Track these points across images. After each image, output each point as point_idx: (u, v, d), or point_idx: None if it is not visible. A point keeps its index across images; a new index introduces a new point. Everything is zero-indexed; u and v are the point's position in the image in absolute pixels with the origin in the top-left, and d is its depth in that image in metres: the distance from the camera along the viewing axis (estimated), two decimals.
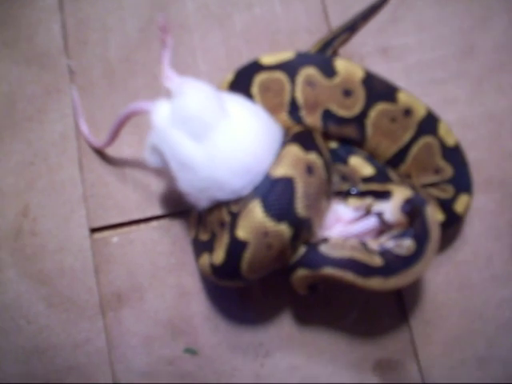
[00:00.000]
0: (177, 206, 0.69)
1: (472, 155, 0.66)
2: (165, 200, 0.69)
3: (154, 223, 0.69)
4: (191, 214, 0.65)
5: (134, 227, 0.69)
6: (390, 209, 0.56)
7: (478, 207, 0.68)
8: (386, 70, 0.70)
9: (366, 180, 0.61)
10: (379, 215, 0.57)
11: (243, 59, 0.70)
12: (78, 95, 0.72)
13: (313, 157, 0.55)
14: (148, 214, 0.69)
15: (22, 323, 0.67)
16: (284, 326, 0.67)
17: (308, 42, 0.72)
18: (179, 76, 0.57)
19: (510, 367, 0.66)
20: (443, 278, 0.67)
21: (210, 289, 0.67)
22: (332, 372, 0.66)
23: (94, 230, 0.69)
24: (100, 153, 0.71)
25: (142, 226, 0.69)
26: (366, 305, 0.67)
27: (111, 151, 0.70)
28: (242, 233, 0.54)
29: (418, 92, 0.66)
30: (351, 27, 0.71)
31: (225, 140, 0.55)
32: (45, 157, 0.71)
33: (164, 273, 0.68)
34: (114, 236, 0.69)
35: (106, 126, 0.70)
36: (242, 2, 0.74)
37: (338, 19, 0.73)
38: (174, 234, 0.69)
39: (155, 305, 0.67)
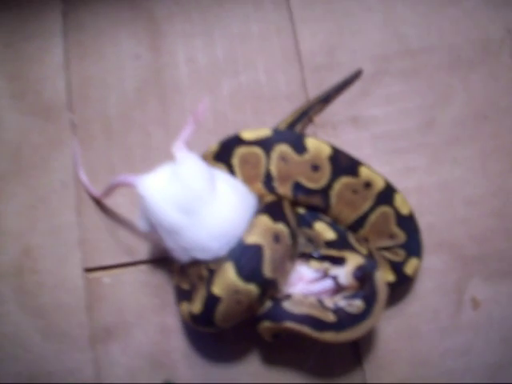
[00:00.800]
0: (162, 253, 0.75)
1: (426, 219, 0.74)
2: (151, 246, 0.76)
3: (142, 267, 0.76)
4: (173, 263, 0.73)
5: (123, 269, 0.76)
6: (344, 274, 0.64)
7: (428, 267, 0.75)
8: (354, 138, 0.78)
9: (329, 243, 0.69)
10: (334, 278, 0.64)
11: (228, 122, 0.79)
12: (78, 147, 0.79)
13: (280, 226, 0.64)
14: (137, 258, 0.76)
15: (19, 352, 0.74)
16: (253, 365, 0.73)
17: (287, 108, 0.79)
18: (188, 151, 0.64)
19: None
20: (394, 328, 0.74)
21: (189, 328, 0.74)
22: None
23: (88, 270, 0.76)
24: (96, 201, 0.78)
25: (131, 269, 0.76)
26: (325, 350, 0.73)
27: (106, 200, 0.77)
28: (216, 289, 0.62)
29: (382, 160, 0.74)
30: (326, 98, 0.79)
31: (209, 211, 0.62)
32: (46, 202, 0.78)
33: (149, 311, 0.75)
34: (105, 276, 0.76)
35: (103, 176, 0.78)
36: (229, 70, 0.81)
37: (315, 89, 0.80)
38: (159, 277, 0.76)
39: (139, 340, 0.74)
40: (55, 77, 0.81)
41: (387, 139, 0.79)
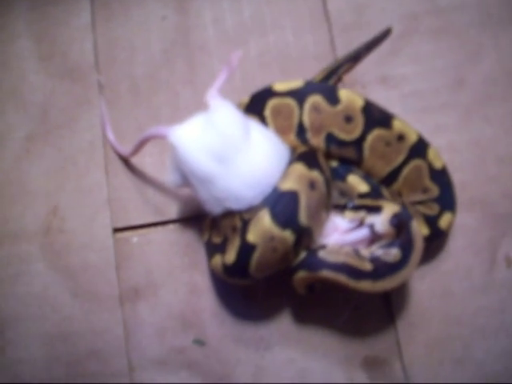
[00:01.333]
0: (192, 212, 0.75)
1: (458, 177, 0.73)
2: (181, 206, 0.76)
3: (171, 226, 0.76)
4: (205, 219, 0.72)
5: (152, 229, 0.76)
6: (381, 221, 0.63)
7: (461, 224, 0.74)
8: (384, 97, 0.77)
9: (362, 196, 0.68)
10: (371, 227, 0.64)
11: (256, 82, 0.78)
12: (105, 107, 0.79)
13: (315, 174, 0.63)
14: (165, 218, 0.76)
15: (48, 311, 0.74)
16: (283, 323, 0.73)
17: (315, 68, 0.79)
18: (222, 98, 0.63)
19: (484, 368, 0.71)
20: (427, 286, 0.74)
21: (219, 287, 0.74)
22: (324, 366, 0.72)
23: (116, 230, 0.76)
24: (124, 160, 0.77)
25: (160, 228, 0.76)
26: (357, 307, 0.73)
27: (134, 159, 0.77)
28: (251, 237, 0.61)
29: (412, 119, 0.73)
30: (355, 57, 0.78)
31: (243, 159, 0.62)
32: (74, 162, 0.78)
33: (178, 271, 0.75)
34: (134, 236, 0.76)
35: (131, 135, 0.77)
36: (257, 30, 0.81)
37: (344, 49, 0.79)
38: (188, 236, 0.75)
39: (169, 299, 0.74)
40: (82, 38, 0.81)
41: (417, 98, 0.79)
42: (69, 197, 0.77)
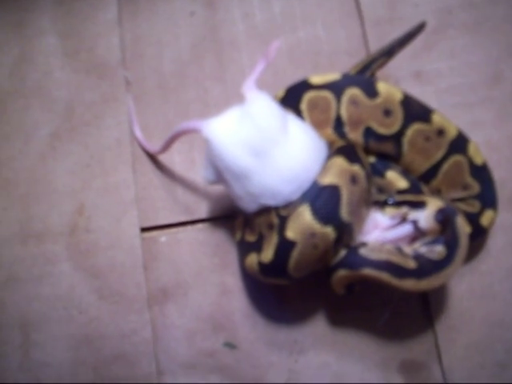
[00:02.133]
0: (222, 211, 0.73)
1: (496, 175, 0.70)
2: (210, 205, 0.74)
3: (200, 225, 0.74)
4: (237, 218, 0.70)
5: (181, 228, 0.74)
6: (424, 217, 0.61)
7: (501, 223, 0.72)
8: (418, 93, 0.74)
9: (401, 192, 0.66)
10: (414, 223, 0.61)
11: (287, 77, 0.75)
12: (133, 104, 0.77)
13: (356, 168, 0.61)
14: (195, 217, 0.74)
15: (73, 313, 0.72)
16: (317, 326, 0.71)
17: (347, 64, 0.77)
18: (258, 90, 0.62)
19: None
20: (467, 286, 0.71)
21: (250, 288, 0.72)
22: (361, 370, 0.70)
23: (144, 230, 0.74)
24: (152, 158, 0.76)
25: (189, 228, 0.74)
26: (394, 309, 0.71)
27: (162, 157, 0.75)
28: (291, 233, 0.59)
29: (447, 114, 0.70)
30: (388, 52, 0.76)
31: (280, 153, 0.60)
32: (100, 160, 0.76)
33: (207, 272, 0.72)
34: (162, 236, 0.74)
35: (159, 133, 0.76)
36: (287, 26, 0.79)
37: (376, 44, 0.77)
38: (218, 236, 0.73)
39: (198, 301, 0.72)
40: (108, 34, 0.80)
41: (452, 93, 0.77)
42: (95, 195, 0.75)
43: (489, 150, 0.74)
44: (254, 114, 0.60)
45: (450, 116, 0.70)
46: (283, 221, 0.60)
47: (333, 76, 0.67)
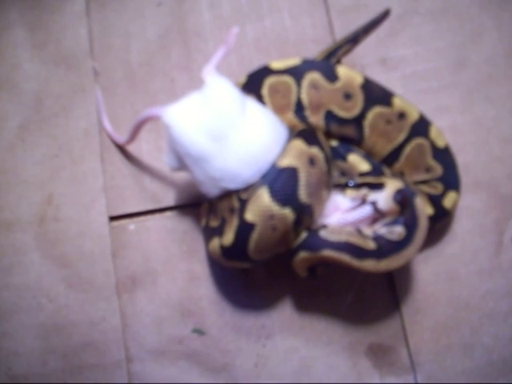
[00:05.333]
0: (189, 199, 0.74)
1: (461, 159, 0.71)
2: (178, 193, 0.74)
3: (168, 213, 0.74)
4: (202, 204, 0.70)
5: (149, 216, 0.74)
6: (384, 198, 0.61)
7: (466, 206, 0.73)
8: (384, 79, 0.74)
9: (363, 175, 0.67)
10: (373, 204, 0.62)
11: (254, 66, 0.75)
12: (101, 95, 0.77)
13: (315, 150, 0.61)
14: (163, 205, 0.74)
15: (43, 302, 0.72)
16: (285, 311, 0.71)
17: (314, 51, 0.77)
18: (218, 75, 0.62)
19: (493, 354, 0.70)
20: (433, 269, 0.72)
21: (218, 275, 0.72)
22: (328, 354, 0.70)
23: (112, 218, 0.74)
24: (120, 148, 0.76)
25: (157, 216, 0.74)
26: (360, 293, 0.71)
27: (130, 147, 0.75)
28: (250, 216, 0.59)
29: (413, 100, 0.71)
30: (353, 39, 0.76)
31: (239, 136, 0.60)
32: (69, 150, 0.76)
33: (176, 259, 0.73)
34: (130, 224, 0.74)
35: (127, 123, 0.76)
36: (253, 15, 0.80)
37: (342, 31, 0.78)
38: (186, 223, 0.74)
39: (167, 288, 0.72)
40: (77, 25, 0.80)
41: (418, 79, 0.77)
42: (64, 185, 0.75)
43: (454, 135, 0.75)
44: (213, 98, 0.61)
45: (415, 101, 0.71)
46: (243, 204, 0.60)
47: (293, 61, 0.67)
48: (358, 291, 0.71)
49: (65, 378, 0.70)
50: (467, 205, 0.73)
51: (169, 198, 0.74)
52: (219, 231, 0.64)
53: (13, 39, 0.80)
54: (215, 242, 0.64)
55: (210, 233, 0.66)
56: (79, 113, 0.77)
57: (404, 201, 0.61)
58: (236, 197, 0.62)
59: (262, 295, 0.72)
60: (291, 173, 0.59)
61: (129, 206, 0.75)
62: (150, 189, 0.75)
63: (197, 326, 0.71)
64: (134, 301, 0.72)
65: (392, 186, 0.62)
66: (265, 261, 0.64)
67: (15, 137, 0.77)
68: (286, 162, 0.59)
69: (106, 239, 0.73)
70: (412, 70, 0.78)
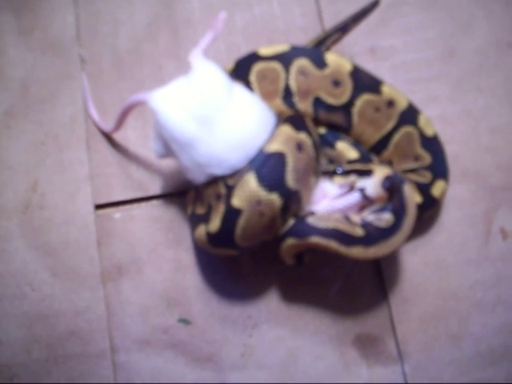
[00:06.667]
0: (175, 187, 0.73)
1: (450, 149, 0.71)
2: (165, 181, 0.74)
3: (154, 202, 0.74)
4: (188, 192, 0.70)
5: (135, 205, 0.73)
6: (372, 185, 0.61)
7: (454, 196, 0.72)
8: (373, 68, 0.74)
9: (351, 163, 0.66)
10: (362, 191, 0.61)
11: (242, 53, 0.75)
12: (87, 82, 0.76)
13: (303, 136, 0.61)
14: (149, 193, 0.73)
15: (26, 290, 0.71)
16: (272, 301, 0.71)
17: (303, 40, 0.77)
18: (205, 59, 0.61)
19: (481, 344, 0.69)
20: (421, 259, 0.71)
21: (204, 264, 0.71)
22: (315, 344, 0.70)
23: (98, 207, 0.73)
24: (106, 135, 0.75)
25: (143, 204, 0.74)
26: (348, 283, 0.71)
27: (116, 134, 0.74)
28: (237, 201, 0.59)
29: (402, 89, 0.70)
30: (343, 28, 0.76)
31: (226, 121, 0.59)
32: (55, 137, 0.75)
33: (162, 248, 0.72)
34: (116, 212, 0.73)
35: (113, 110, 0.74)
36: (242, 2, 0.79)
37: (331, 20, 0.77)
38: (173, 212, 0.73)
39: (152, 277, 0.71)
40: (64, 12, 0.79)
41: (407, 69, 0.77)
42: (49, 172, 0.74)
43: (443, 125, 0.74)
44: (200, 82, 0.60)
45: (404, 91, 0.70)
46: (230, 190, 0.60)
47: (281, 47, 0.67)
48: (346, 281, 0.70)
49: (49, 368, 0.69)
50: (455, 195, 0.73)
51: (155, 187, 0.74)
52: (205, 218, 0.63)
53: None
54: (201, 229, 0.63)
55: (196, 220, 0.66)
56: (65, 100, 0.76)
57: (392, 187, 0.60)
58: (223, 183, 0.61)
59: (248, 285, 0.71)
60: (279, 158, 0.58)
61: (115, 194, 0.74)
62: (136, 177, 0.74)
63: (183, 315, 0.70)
64: (119, 290, 0.71)
65: (380, 172, 0.61)
66: (251, 248, 0.63)
67: (0, 124, 0.76)
68: (274, 147, 0.59)
69: (92, 227, 0.72)
70: (401, 59, 0.77)
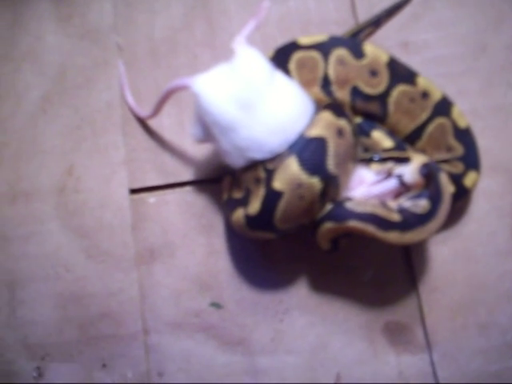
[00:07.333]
0: (209, 174, 0.74)
1: (480, 143, 0.71)
2: (198, 168, 0.75)
3: (188, 187, 0.75)
4: (224, 178, 0.71)
5: (169, 190, 0.75)
6: (409, 171, 0.62)
7: (484, 189, 0.73)
8: (405, 62, 0.75)
9: (387, 151, 0.68)
10: (399, 177, 0.62)
11: (276, 45, 0.76)
12: (124, 69, 0.78)
13: (343, 122, 0.62)
14: (183, 179, 0.74)
15: (61, 272, 0.72)
16: (303, 287, 0.72)
17: (336, 33, 0.77)
18: (248, 45, 0.63)
19: (508, 334, 0.70)
20: (450, 250, 0.72)
21: (237, 249, 0.72)
22: (345, 331, 0.71)
23: (132, 191, 0.74)
24: (141, 122, 0.76)
25: (177, 190, 0.75)
26: (378, 272, 0.72)
27: (152, 121, 0.76)
28: (278, 184, 0.60)
29: (434, 83, 0.71)
30: (376, 22, 0.78)
31: (267, 106, 0.60)
32: (91, 122, 0.76)
33: (195, 232, 0.73)
34: (150, 197, 0.75)
35: (149, 97, 0.76)
36: None
37: (365, 14, 0.78)
38: (206, 198, 0.74)
39: (185, 261, 0.72)
40: (102, 0, 0.80)
41: (439, 63, 0.78)
42: (85, 157, 0.75)
43: (473, 119, 0.75)
44: (242, 68, 0.61)
45: (436, 85, 0.71)
46: (270, 174, 0.61)
47: (321, 37, 0.68)
48: (376, 270, 0.71)
49: (81, 348, 0.71)
50: (485, 187, 0.74)
51: (189, 173, 0.75)
52: (243, 202, 0.64)
53: (38, 12, 0.80)
54: (239, 213, 0.64)
55: (233, 204, 0.67)
56: (101, 86, 0.78)
57: (429, 175, 0.61)
58: (262, 167, 0.62)
59: (280, 270, 0.72)
60: (320, 143, 0.60)
61: (149, 179, 0.75)
62: (170, 163, 0.75)
63: (214, 299, 0.71)
64: (152, 273, 0.72)
65: (418, 159, 0.62)
66: (288, 231, 0.64)
67: (37, 108, 0.77)
68: (315, 132, 0.60)
69: (126, 211, 0.73)
70: (433, 54, 0.78)
